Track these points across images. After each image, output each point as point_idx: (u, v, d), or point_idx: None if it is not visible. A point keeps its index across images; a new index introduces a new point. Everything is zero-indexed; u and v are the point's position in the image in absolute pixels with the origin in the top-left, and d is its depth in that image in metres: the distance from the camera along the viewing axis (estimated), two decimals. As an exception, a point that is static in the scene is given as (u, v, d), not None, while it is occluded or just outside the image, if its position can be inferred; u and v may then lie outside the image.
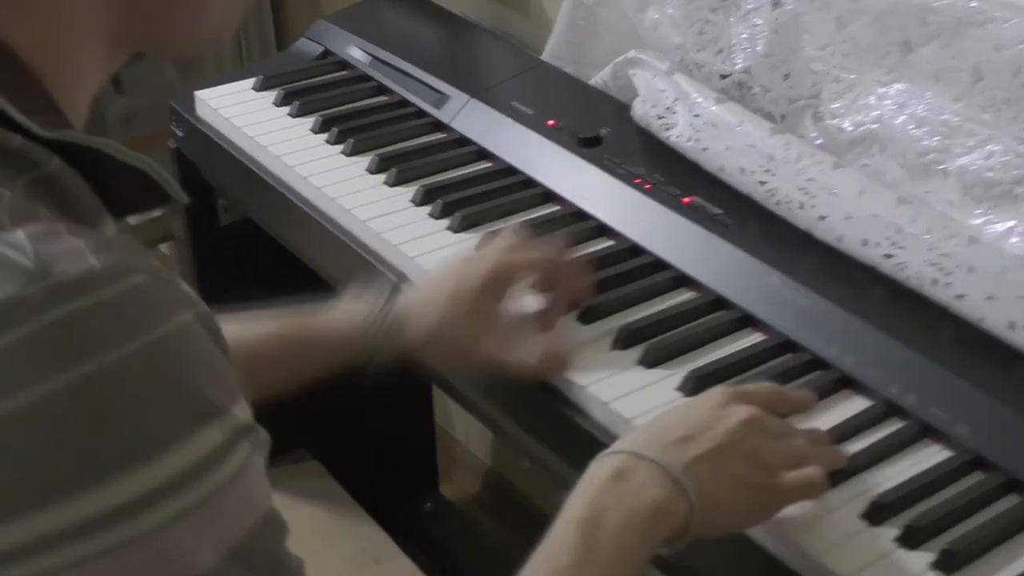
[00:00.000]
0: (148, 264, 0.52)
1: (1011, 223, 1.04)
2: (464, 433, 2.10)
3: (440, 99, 1.41)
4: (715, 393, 0.90)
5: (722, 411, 0.87)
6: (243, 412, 0.55)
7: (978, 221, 1.06)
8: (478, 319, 1.02)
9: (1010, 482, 0.91)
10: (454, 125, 1.37)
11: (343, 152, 1.34)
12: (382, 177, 1.29)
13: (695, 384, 1.00)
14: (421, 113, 1.41)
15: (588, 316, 1.08)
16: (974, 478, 0.93)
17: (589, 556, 0.77)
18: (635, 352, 1.04)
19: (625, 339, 1.05)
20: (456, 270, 1.05)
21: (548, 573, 0.77)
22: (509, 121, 1.33)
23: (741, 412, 0.87)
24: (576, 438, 1.00)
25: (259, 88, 1.48)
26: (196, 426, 0.52)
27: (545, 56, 1.48)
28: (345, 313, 1.03)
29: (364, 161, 1.32)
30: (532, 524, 0.82)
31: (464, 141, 1.35)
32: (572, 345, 1.03)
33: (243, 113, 1.44)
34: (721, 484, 0.84)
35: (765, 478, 0.85)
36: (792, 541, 0.88)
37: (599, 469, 0.83)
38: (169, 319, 0.52)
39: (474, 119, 1.36)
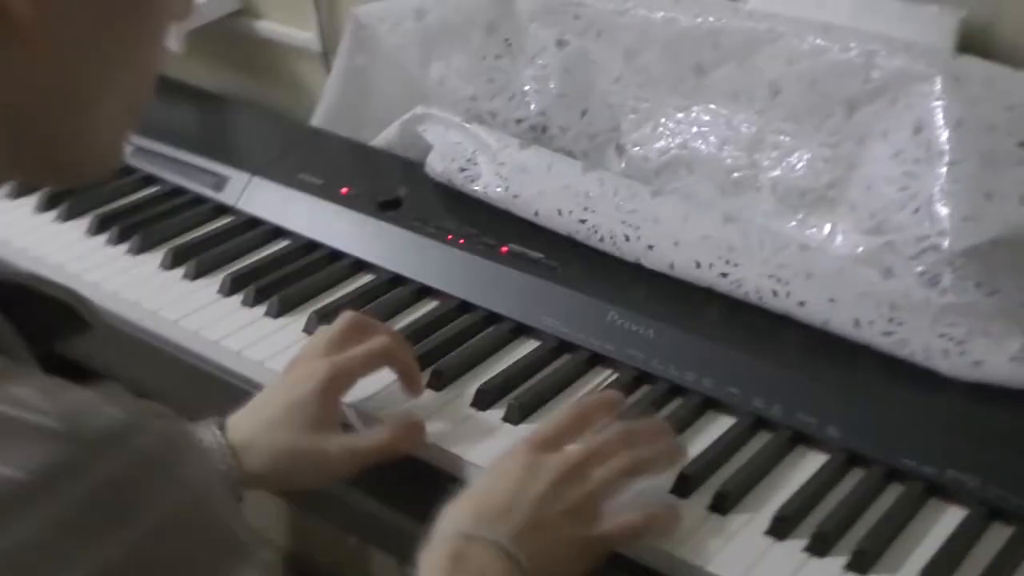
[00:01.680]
0: (156, 407, 0.51)
1: (829, 226, 1.08)
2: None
3: (218, 182, 1.35)
4: (519, 452, 0.89)
5: (529, 474, 0.86)
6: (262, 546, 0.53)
7: (798, 229, 1.09)
8: (322, 426, 0.96)
9: (890, 472, 0.95)
10: (240, 207, 1.32)
11: (130, 251, 1.26)
12: (180, 271, 1.22)
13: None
14: (201, 199, 1.35)
15: (438, 382, 1.05)
16: (856, 475, 0.95)
17: None
18: (498, 410, 1.02)
19: (485, 399, 1.03)
20: (287, 386, 0.98)
21: None
22: (300, 194, 1.29)
23: (551, 468, 0.87)
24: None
25: (14, 196, 1.38)
26: (234, 566, 0.51)
27: (316, 123, 1.45)
28: None
29: (156, 257, 1.25)
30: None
31: (255, 222, 1.30)
32: (426, 413, 1.01)
33: (2, 225, 1.34)
34: (548, 547, 0.83)
35: (588, 530, 0.86)
36: (704, 571, 0.88)
37: (435, 558, 0.81)
38: (193, 461, 0.51)
39: (261, 197, 1.31)
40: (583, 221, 1.14)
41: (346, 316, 1.03)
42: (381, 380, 1.03)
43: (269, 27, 1.62)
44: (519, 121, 1.23)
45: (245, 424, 0.96)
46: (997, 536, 0.90)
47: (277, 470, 0.95)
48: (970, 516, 0.91)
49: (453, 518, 0.84)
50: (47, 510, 0.46)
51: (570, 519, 0.85)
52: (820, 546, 0.88)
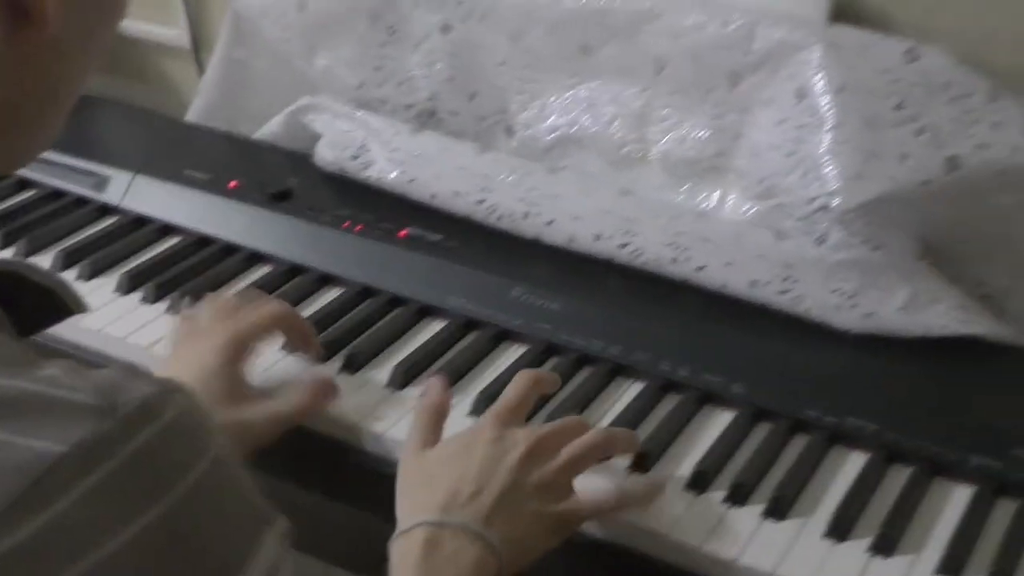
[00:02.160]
0: (170, 380, 0.52)
1: (718, 193, 1.13)
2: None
3: (99, 182, 1.33)
4: (485, 427, 0.90)
5: (498, 448, 0.88)
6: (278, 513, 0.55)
7: (688, 198, 1.14)
8: (235, 397, 0.97)
9: (795, 423, 0.99)
10: (125, 206, 1.30)
11: (17, 255, 1.24)
12: (73, 272, 1.21)
13: (486, 405, 1.01)
14: (83, 200, 1.33)
15: (352, 366, 1.07)
16: (764, 429, 1.00)
17: None
18: (415, 388, 1.04)
19: (400, 378, 1.04)
20: (184, 366, 0.98)
21: None
22: (187, 190, 1.28)
23: (517, 446, 0.88)
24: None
25: None
26: (260, 533, 0.52)
27: (192, 118, 1.44)
28: None
29: (46, 260, 1.23)
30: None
31: (143, 220, 1.29)
32: (344, 396, 1.02)
33: None
34: (519, 525, 0.85)
35: (558, 505, 0.87)
36: (637, 528, 0.91)
37: (408, 546, 0.82)
38: (213, 430, 0.52)
39: (146, 195, 1.30)
40: (481, 201, 1.17)
41: (227, 294, 1.05)
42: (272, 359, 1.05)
43: (135, 25, 1.60)
44: (408, 107, 1.25)
45: None
46: (898, 476, 0.95)
47: None
48: (872, 459, 0.96)
49: (424, 506, 0.84)
50: (88, 482, 0.47)
51: (540, 494, 0.86)
52: (738, 496, 0.92)
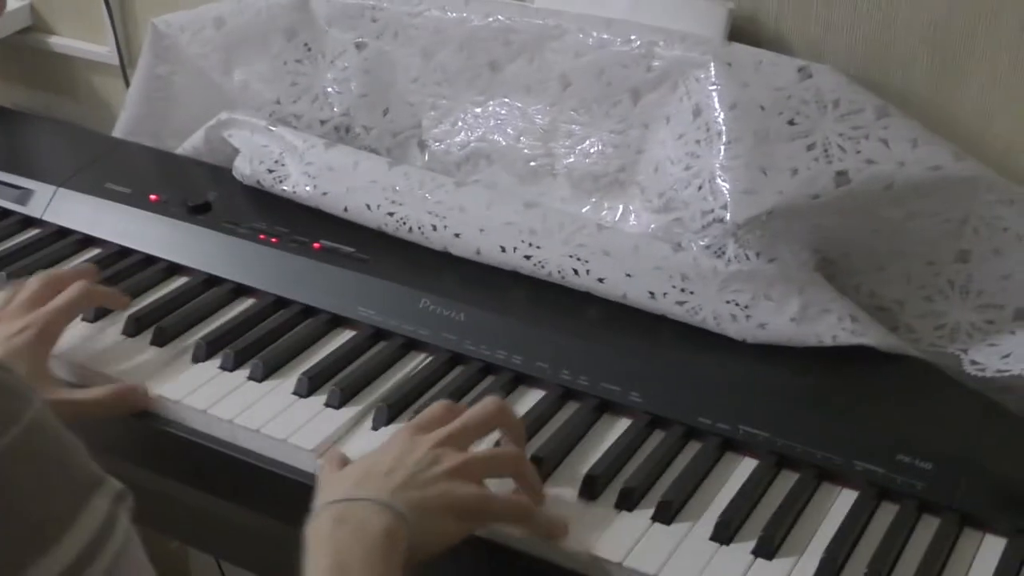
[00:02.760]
0: None
1: (622, 207, 1.16)
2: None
3: (23, 195, 1.35)
4: (401, 432, 0.94)
5: (410, 444, 0.92)
6: (110, 477, 0.56)
7: (593, 211, 1.16)
8: (38, 381, 1.01)
9: (688, 431, 1.02)
10: (47, 218, 1.32)
11: (-65, 267, 1.25)
12: (-10, 284, 1.22)
13: (389, 414, 1.03)
14: (5, 212, 1.35)
15: (261, 374, 1.08)
16: (658, 436, 1.02)
17: None
18: (320, 396, 1.06)
19: (307, 386, 1.07)
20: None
21: None
22: (109, 204, 1.30)
23: (429, 438, 0.92)
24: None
25: None
26: (88, 497, 0.53)
27: (117, 133, 1.46)
28: None
29: (-37, 271, 1.24)
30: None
31: (64, 232, 1.31)
32: (251, 403, 1.05)
33: None
34: (426, 499, 0.87)
35: (467, 490, 0.90)
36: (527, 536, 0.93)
37: (320, 524, 0.85)
38: (31, 401, 0.53)
39: (68, 208, 1.32)
40: (391, 214, 1.19)
41: (38, 276, 1.11)
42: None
43: (63, 42, 1.62)
44: (323, 122, 1.27)
45: None
46: (786, 481, 0.98)
47: None
48: (761, 465, 0.99)
49: (335, 488, 0.87)
50: None
51: (448, 478, 0.89)
52: (628, 501, 0.95)
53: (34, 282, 1.08)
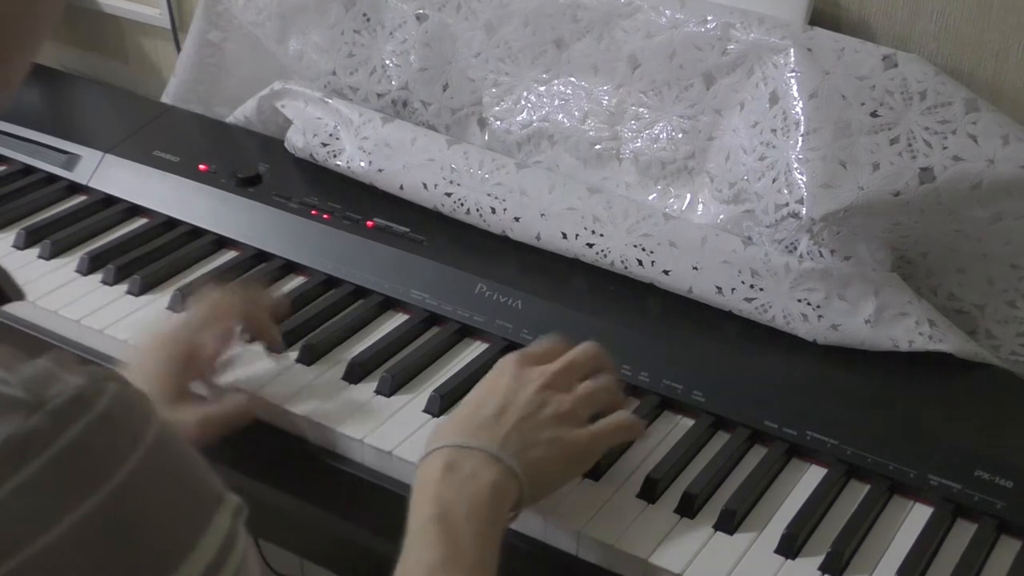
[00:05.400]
0: (105, 369, 0.52)
1: (689, 195, 1.11)
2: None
3: (70, 160, 1.31)
4: (507, 363, 0.92)
5: (518, 381, 0.90)
6: (229, 491, 0.55)
7: (659, 199, 1.11)
8: (177, 392, 0.97)
9: (753, 434, 0.98)
10: (94, 185, 1.29)
11: (-20, 232, 1.22)
12: (35, 251, 1.19)
13: (441, 403, 0.99)
14: (52, 178, 1.31)
15: (309, 356, 1.05)
16: (721, 439, 0.98)
17: (454, 548, 0.79)
18: (370, 383, 1.02)
19: (357, 372, 1.03)
20: (149, 360, 0.97)
21: (424, 572, 0.78)
22: (156, 172, 1.27)
23: (535, 377, 0.91)
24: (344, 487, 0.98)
25: None
26: (209, 516, 0.52)
27: (167, 99, 1.42)
28: None
29: (8, 237, 1.21)
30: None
31: (111, 200, 1.27)
32: (299, 388, 1.01)
33: None
34: (537, 448, 0.87)
35: (574, 429, 0.89)
36: (585, 535, 0.89)
37: (429, 469, 0.84)
38: (151, 416, 0.52)
39: (115, 175, 1.28)
40: (449, 194, 1.15)
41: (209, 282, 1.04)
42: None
43: (113, 2, 1.58)
44: (380, 95, 1.23)
45: None
46: (855, 492, 0.93)
47: None
48: (829, 474, 0.94)
49: (446, 432, 0.87)
50: (17, 478, 0.47)
51: (557, 421, 0.88)
52: (689, 507, 0.91)
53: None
